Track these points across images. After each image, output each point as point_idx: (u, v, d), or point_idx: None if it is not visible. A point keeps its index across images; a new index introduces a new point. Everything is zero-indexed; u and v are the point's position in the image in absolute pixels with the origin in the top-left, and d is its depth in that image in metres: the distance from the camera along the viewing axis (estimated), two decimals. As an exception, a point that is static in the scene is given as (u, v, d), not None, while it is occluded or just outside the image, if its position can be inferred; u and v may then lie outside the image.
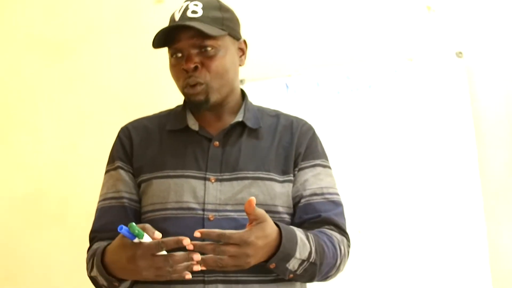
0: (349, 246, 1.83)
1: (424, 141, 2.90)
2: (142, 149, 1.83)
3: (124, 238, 1.51)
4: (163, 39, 1.76)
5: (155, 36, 1.75)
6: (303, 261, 1.64)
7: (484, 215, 2.78)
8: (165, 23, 1.79)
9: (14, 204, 3.42)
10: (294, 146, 1.83)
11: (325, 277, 1.77)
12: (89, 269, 1.72)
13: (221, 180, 1.74)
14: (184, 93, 1.79)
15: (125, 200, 1.80)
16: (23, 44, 3.56)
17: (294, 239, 1.63)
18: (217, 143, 1.79)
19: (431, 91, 2.93)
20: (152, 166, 1.79)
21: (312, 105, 3.06)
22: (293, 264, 1.63)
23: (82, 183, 3.26)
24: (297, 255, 1.62)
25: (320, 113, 3.03)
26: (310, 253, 1.65)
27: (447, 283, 2.77)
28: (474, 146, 2.85)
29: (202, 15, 1.74)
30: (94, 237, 1.81)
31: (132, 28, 3.45)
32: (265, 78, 3.09)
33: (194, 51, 1.74)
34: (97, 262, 1.64)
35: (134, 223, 1.46)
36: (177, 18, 1.76)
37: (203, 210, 1.70)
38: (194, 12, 1.75)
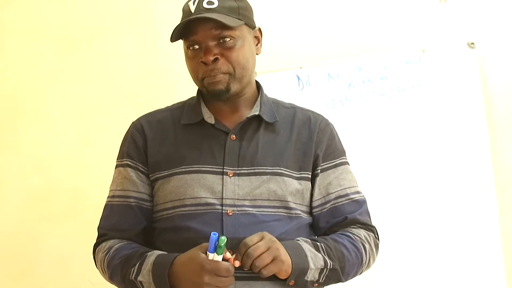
0: (377, 238, 1.84)
1: (437, 132, 2.90)
2: (157, 144, 1.81)
3: (199, 252, 1.55)
4: (179, 31, 1.73)
5: (173, 30, 1.72)
6: (321, 270, 1.65)
7: (497, 208, 2.78)
8: (178, 18, 1.77)
9: (26, 198, 3.41)
10: (314, 144, 1.82)
11: (354, 275, 1.78)
12: (122, 271, 1.68)
13: (238, 175, 1.72)
14: (202, 85, 1.75)
15: (132, 200, 1.79)
16: (35, 38, 3.54)
17: (301, 253, 1.64)
18: (233, 136, 1.77)
19: (443, 82, 2.92)
20: (168, 162, 1.77)
21: (324, 97, 3.04)
22: (312, 275, 1.64)
23: (95, 177, 3.24)
24: (312, 266, 1.63)
25: (332, 105, 3.02)
26: (325, 261, 1.66)
27: (460, 278, 2.78)
28: (487, 137, 2.85)
29: (218, 6, 1.71)
30: (104, 234, 1.81)
31: (144, 22, 3.44)
32: (276, 70, 3.07)
33: (212, 43, 1.71)
34: (159, 272, 1.61)
35: (225, 238, 1.51)
36: (192, 9, 1.72)
37: (222, 205, 1.68)
38: (209, 2, 1.71)
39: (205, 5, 1.71)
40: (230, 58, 1.72)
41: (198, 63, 1.73)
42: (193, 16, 1.70)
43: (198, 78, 1.76)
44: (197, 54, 1.73)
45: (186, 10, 1.75)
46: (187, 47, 1.75)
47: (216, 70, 1.71)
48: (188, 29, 1.72)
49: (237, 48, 1.73)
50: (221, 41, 1.71)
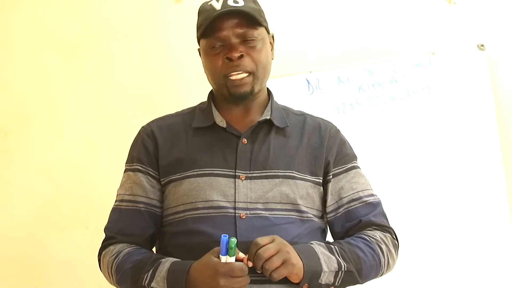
0: (394, 239, 1.83)
1: (447, 135, 2.89)
2: (168, 148, 1.80)
3: (211, 257, 1.55)
4: (207, 26, 1.72)
5: (200, 26, 1.73)
6: (336, 272, 1.64)
7: (509, 210, 2.77)
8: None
9: (36, 205, 3.41)
10: (324, 149, 1.82)
11: (374, 277, 1.76)
12: (133, 276, 1.67)
13: (250, 178, 1.72)
14: (224, 84, 1.74)
15: (141, 205, 1.79)
16: (41, 43, 3.56)
17: (314, 256, 1.63)
18: (245, 140, 1.77)
19: (454, 84, 2.92)
20: (180, 166, 1.76)
21: (334, 101, 3.04)
22: (326, 278, 1.63)
23: (104, 184, 3.23)
24: (325, 268, 1.62)
25: (342, 109, 3.02)
26: (338, 263, 1.65)
27: (472, 276, 2.77)
28: (497, 138, 2.84)
29: (244, 5, 1.72)
30: (112, 237, 1.80)
31: (151, 27, 3.44)
32: (286, 75, 3.07)
33: (237, 41, 1.71)
34: (175, 280, 1.60)
35: (235, 239, 1.52)
36: (218, 7, 1.71)
37: (235, 208, 1.68)
38: (235, 1, 1.72)
39: (230, 3, 1.72)
40: (254, 57, 1.73)
41: (221, 60, 1.72)
42: (223, 10, 1.70)
43: (220, 76, 1.74)
44: (220, 52, 1.73)
45: (208, 9, 1.74)
46: (209, 46, 1.75)
47: (242, 67, 1.71)
48: (212, 27, 1.72)
49: (259, 48, 1.74)
50: (246, 40, 1.72)
